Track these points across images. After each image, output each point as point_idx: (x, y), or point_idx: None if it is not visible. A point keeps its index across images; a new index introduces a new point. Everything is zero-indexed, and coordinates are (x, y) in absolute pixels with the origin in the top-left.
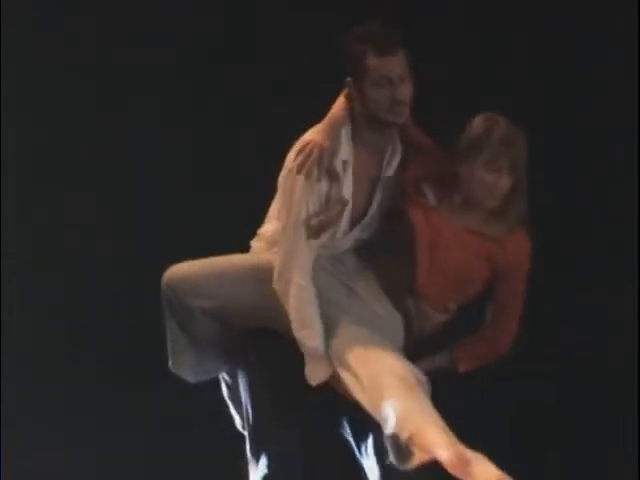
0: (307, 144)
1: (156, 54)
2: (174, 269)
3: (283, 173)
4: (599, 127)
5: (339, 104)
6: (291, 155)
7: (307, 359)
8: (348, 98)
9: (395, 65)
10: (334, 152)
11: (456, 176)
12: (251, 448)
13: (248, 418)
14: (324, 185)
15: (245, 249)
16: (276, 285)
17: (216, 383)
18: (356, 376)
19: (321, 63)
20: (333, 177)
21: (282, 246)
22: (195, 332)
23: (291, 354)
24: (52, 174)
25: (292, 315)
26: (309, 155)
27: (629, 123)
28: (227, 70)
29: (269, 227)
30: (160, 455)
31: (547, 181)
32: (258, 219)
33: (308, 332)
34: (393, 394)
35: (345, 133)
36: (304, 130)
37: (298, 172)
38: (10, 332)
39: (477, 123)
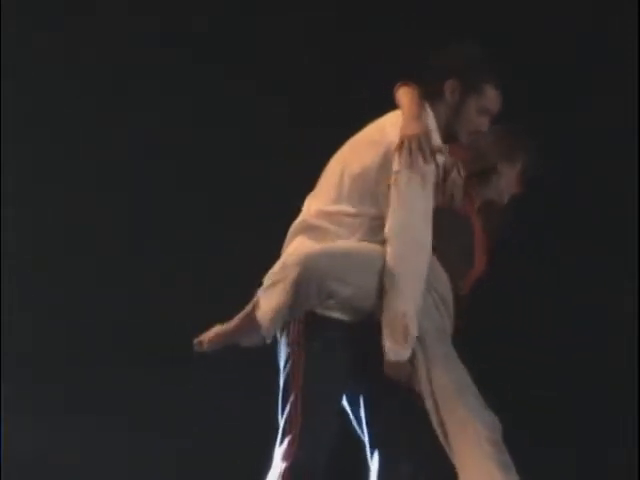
0: (404, 141)
1: (156, 54)
2: (313, 251)
3: (396, 169)
4: (599, 127)
5: (412, 97)
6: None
7: (393, 339)
8: (432, 97)
9: (499, 103)
10: (429, 134)
11: (489, 173)
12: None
13: (299, 403)
14: (434, 167)
15: (245, 249)
16: (397, 269)
17: (214, 384)
18: (446, 410)
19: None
20: (441, 152)
21: (407, 237)
22: (302, 308)
23: (352, 341)
24: (52, 174)
25: (407, 300)
26: (411, 149)
27: (629, 123)
28: (227, 70)
29: (339, 208)
30: (160, 455)
31: (547, 180)
32: (259, 218)
33: (414, 320)
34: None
35: (431, 123)
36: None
37: (410, 168)
38: (10, 332)
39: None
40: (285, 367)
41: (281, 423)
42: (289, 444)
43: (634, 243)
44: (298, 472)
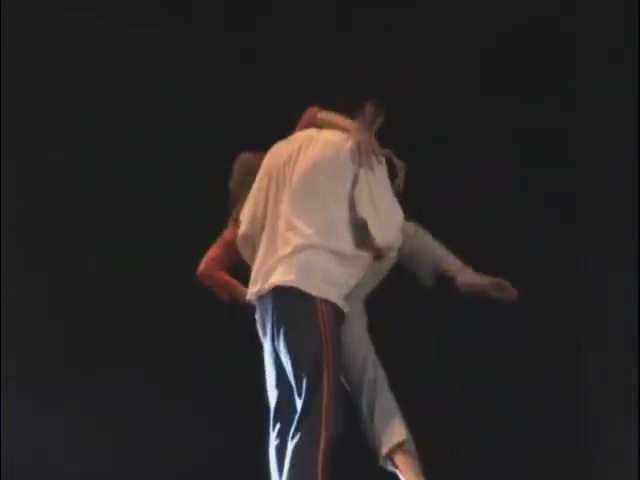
0: (358, 146)
1: (156, 54)
2: None
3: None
4: (599, 127)
5: (340, 116)
6: (348, 161)
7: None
8: (352, 114)
9: None
10: (374, 140)
11: None
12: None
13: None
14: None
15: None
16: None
17: (212, 384)
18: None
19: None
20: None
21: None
22: None
23: None
24: (52, 173)
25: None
26: (367, 151)
27: (629, 123)
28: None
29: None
30: (159, 454)
31: (546, 180)
32: None
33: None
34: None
35: None
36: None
37: (370, 167)
38: (10, 331)
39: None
40: (297, 346)
41: (306, 396)
42: (326, 421)
43: (634, 242)
44: (332, 447)
